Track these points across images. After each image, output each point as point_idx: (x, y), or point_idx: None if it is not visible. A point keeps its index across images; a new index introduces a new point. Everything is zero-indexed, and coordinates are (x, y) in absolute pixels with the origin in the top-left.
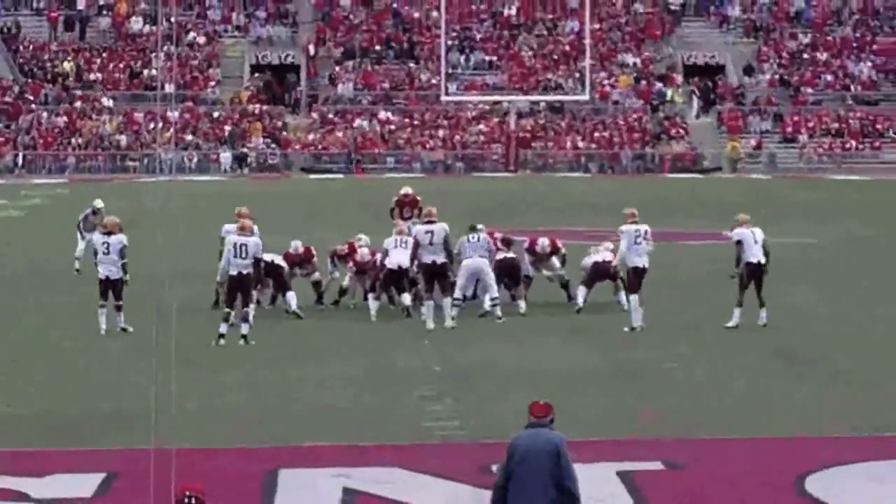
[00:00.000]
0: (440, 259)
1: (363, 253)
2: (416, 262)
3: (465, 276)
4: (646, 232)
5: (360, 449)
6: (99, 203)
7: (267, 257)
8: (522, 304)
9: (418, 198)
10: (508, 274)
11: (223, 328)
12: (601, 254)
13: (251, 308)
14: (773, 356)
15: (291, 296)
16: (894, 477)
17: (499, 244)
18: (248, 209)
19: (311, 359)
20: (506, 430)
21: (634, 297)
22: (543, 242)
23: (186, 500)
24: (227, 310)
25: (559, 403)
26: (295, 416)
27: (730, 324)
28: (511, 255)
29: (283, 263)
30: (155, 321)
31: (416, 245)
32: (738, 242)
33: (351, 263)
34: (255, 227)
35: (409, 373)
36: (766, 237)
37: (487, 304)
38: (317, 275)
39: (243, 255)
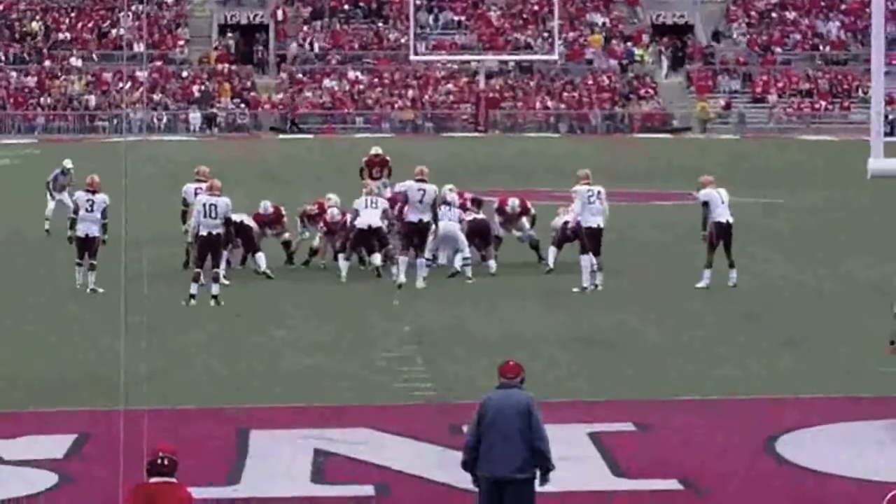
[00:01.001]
0: (426, 218)
1: (333, 213)
2: (397, 219)
3: (438, 239)
4: (599, 192)
5: (330, 410)
6: (68, 163)
7: (236, 217)
8: (492, 265)
9: (387, 158)
10: (479, 234)
11: (193, 288)
12: (570, 215)
13: (221, 268)
14: (741, 318)
15: (261, 256)
16: (864, 438)
17: (468, 204)
18: (207, 168)
19: (282, 320)
20: (476, 391)
21: (587, 258)
22: (513, 202)
23: (159, 461)
24: (196, 270)
25: (529, 365)
26: (265, 378)
27: (700, 284)
28: (481, 215)
29: (253, 223)
30: (123, 282)
31: (405, 201)
32: (705, 203)
33: (321, 223)
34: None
35: (380, 334)
36: (730, 198)
37: (458, 264)
38: (287, 235)
39: (213, 215)
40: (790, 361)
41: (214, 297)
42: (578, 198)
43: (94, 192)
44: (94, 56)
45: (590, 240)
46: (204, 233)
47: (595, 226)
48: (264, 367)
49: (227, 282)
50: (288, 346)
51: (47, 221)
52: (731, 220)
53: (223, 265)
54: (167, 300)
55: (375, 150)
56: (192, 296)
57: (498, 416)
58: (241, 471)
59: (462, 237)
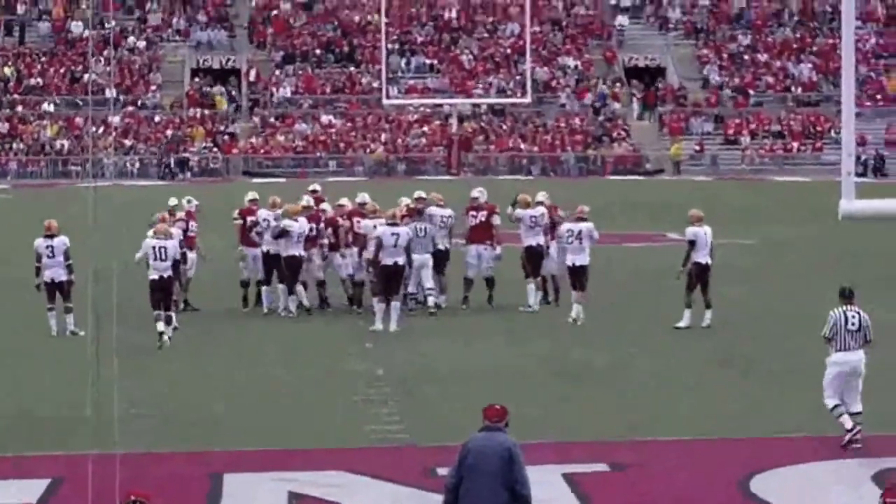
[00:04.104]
0: (401, 261)
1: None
2: (371, 264)
3: (413, 273)
4: (580, 232)
5: (304, 453)
6: (174, 201)
7: (273, 248)
8: (442, 298)
9: (324, 197)
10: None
11: (160, 327)
12: (535, 238)
13: (173, 312)
14: (715, 357)
15: (301, 292)
16: (838, 477)
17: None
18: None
19: (255, 362)
20: (450, 433)
21: (575, 294)
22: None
23: (133, 500)
24: (157, 312)
25: (503, 405)
26: (239, 420)
27: (680, 324)
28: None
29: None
30: (90, 325)
31: (379, 246)
32: (691, 242)
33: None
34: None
35: (353, 376)
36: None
37: (422, 298)
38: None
39: (163, 257)
40: (764, 401)
41: (168, 338)
42: (558, 237)
43: (52, 237)
44: (65, 101)
45: (572, 278)
46: (155, 276)
47: (570, 264)
48: (236, 409)
49: (176, 325)
50: (261, 388)
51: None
52: (709, 262)
53: (176, 309)
54: (139, 343)
55: (314, 187)
56: (161, 333)
57: (479, 459)
58: None
59: (430, 265)
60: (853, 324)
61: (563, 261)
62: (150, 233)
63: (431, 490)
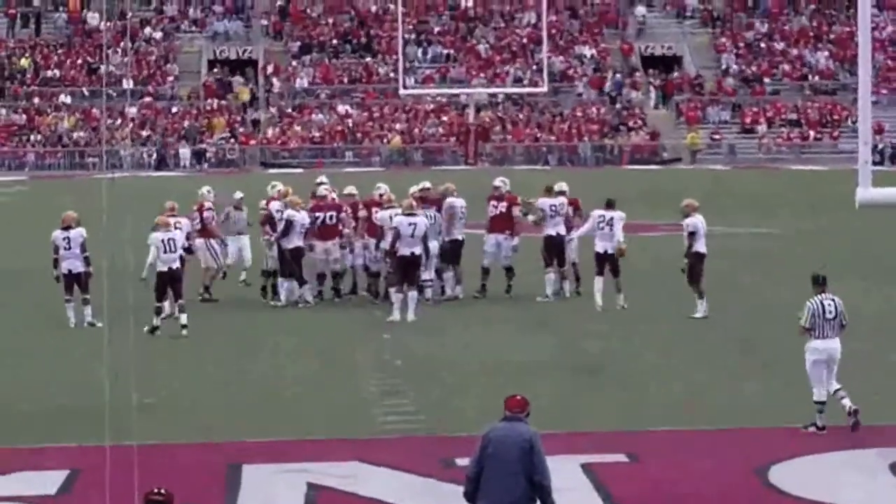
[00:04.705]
0: (418, 251)
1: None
2: (389, 254)
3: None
4: (611, 218)
5: (322, 443)
6: (239, 194)
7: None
8: (458, 289)
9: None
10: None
11: (156, 321)
12: (555, 227)
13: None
14: (732, 347)
15: (307, 289)
16: (856, 466)
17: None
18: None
19: (272, 352)
20: (466, 423)
21: (599, 280)
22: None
23: (156, 491)
24: (158, 304)
25: (523, 395)
26: (257, 411)
27: (697, 314)
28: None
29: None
30: (106, 317)
31: (397, 236)
32: (692, 233)
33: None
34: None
35: (371, 366)
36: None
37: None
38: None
39: (172, 249)
40: (781, 390)
41: (184, 326)
42: (589, 221)
43: (67, 228)
44: (82, 93)
45: (600, 264)
46: (164, 269)
47: (601, 250)
48: (253, 400)
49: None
50: (278, 379)
51: (245, 272)
52: (705, 252)
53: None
54: (155, 335)
55: (321, 179)
56: (156, 328)
57: (499, 449)
58: None
59: (435, 254)
60: (830, 312)
61: (592, 238)
62: (157, 222)
63: (448, 481)
